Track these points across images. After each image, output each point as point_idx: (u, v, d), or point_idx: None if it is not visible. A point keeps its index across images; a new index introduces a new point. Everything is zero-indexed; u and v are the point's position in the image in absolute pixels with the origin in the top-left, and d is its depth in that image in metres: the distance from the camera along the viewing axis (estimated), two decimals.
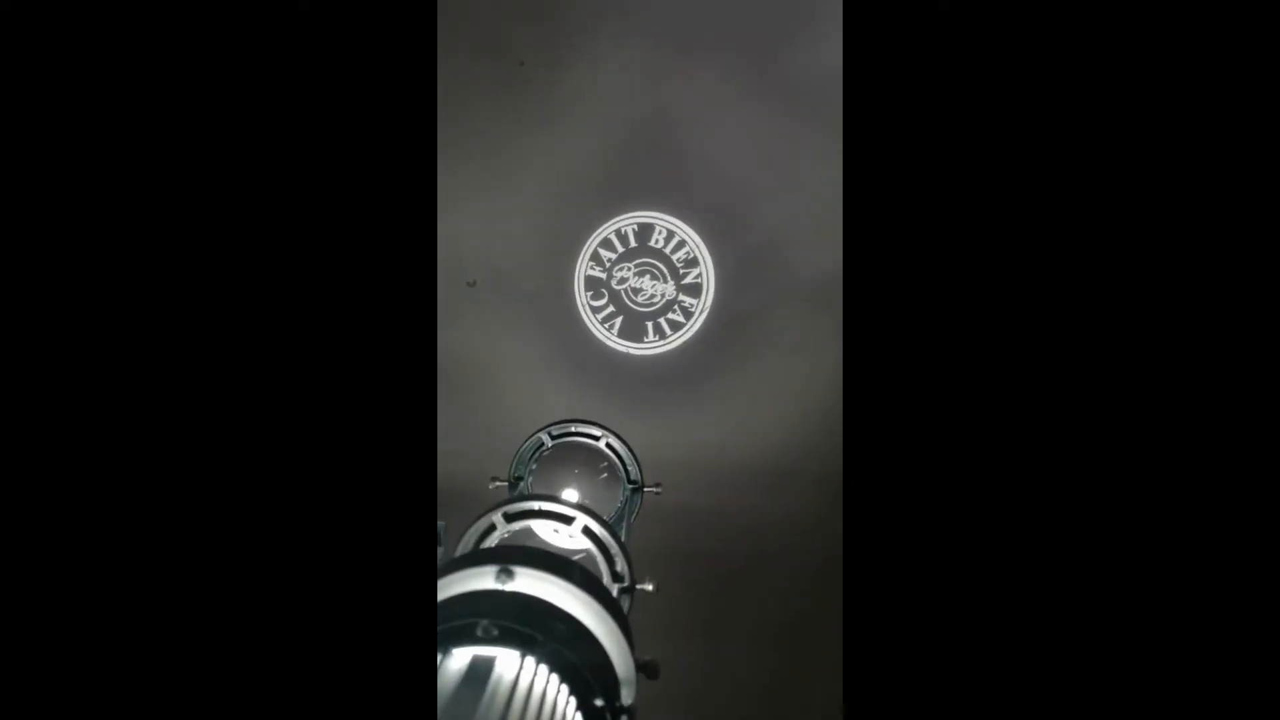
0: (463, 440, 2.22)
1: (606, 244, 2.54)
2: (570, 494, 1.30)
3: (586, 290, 2.55)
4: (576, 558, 0.98)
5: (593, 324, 2.55)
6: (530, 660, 0.60)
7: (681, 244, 2.53)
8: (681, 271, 2.54)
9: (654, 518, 1.45)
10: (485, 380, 2.53)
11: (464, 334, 2.48)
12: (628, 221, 2.52)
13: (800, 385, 2.44)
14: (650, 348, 2.55)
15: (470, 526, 0.93)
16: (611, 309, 2.56)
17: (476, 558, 0.71)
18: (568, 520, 0.92)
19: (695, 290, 2.53)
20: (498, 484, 1.38)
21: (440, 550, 1.09)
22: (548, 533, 1.01)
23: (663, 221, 2.53)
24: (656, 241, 2.54)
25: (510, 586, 0.67)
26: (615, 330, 2.55)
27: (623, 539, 1.13)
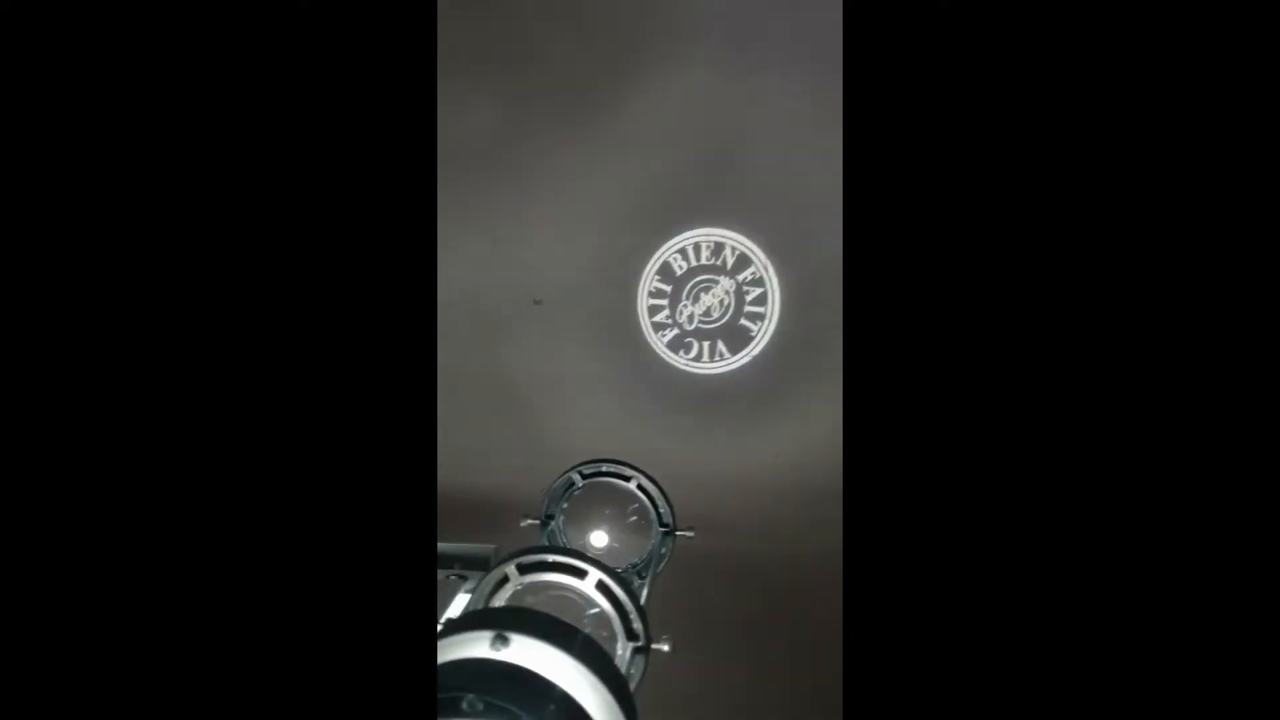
0: (525, 457, 2.23)
1: (653, 309, 2.50)
2: (599, 536, 1.27)
3: (677, 350, 2.51)
4: (593, 611, 0.95)
5: (657, 344, 2.51)
6: None
7: (697, 247, 2.47)
8: (721, 263, 2.46)
9: (694, 553, 1.40)
10: (549, 399, 2.54)
11: (529, 353, 2.51)
12: (689, 240, 2.48)
13: None
14: (713, 367, 2.50)
15: (485, 578, 0.91)
16: (705, 344, 2.50)
17: (473, 620, 0.68)
18: (581, 574, 0.88)
19: (745, 262, 2.44)
20: (529, 522, 1.36)
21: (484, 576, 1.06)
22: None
23: (681, 243, 2.47)
24: (683, 264, 2.49)
25: (503, 655, 0.64)
26: (720, 354, 2.49)
27: (643, 591, 1.09)
